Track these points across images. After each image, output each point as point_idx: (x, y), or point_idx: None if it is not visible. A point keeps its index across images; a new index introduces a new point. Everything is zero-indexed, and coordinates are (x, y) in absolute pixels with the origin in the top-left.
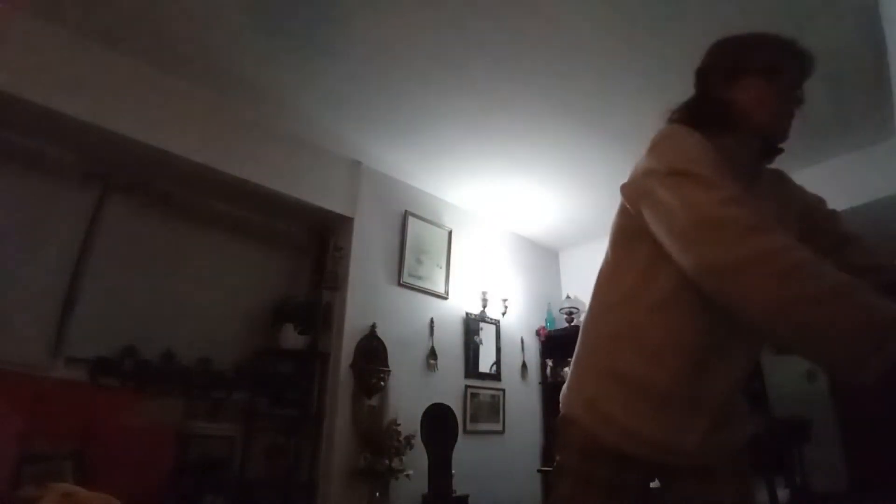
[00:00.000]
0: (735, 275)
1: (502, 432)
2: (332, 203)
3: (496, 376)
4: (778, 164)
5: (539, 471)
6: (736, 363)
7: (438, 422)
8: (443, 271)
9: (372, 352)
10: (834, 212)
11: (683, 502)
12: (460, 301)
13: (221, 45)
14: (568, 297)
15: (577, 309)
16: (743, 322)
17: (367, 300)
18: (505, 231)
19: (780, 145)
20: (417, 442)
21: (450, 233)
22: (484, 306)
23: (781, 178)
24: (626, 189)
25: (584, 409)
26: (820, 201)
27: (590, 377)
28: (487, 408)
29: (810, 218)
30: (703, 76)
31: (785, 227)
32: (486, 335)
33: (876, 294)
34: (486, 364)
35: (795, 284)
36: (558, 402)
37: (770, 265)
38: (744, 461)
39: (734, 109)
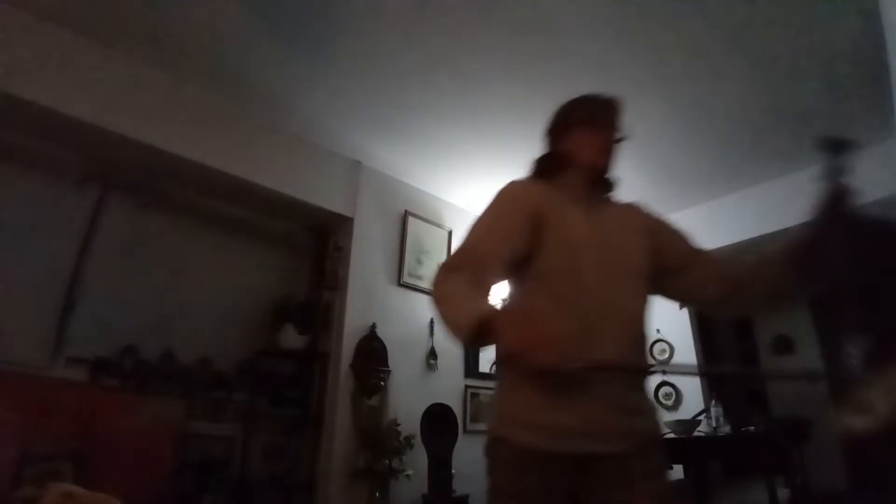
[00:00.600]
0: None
1: None
2: (332, 203)
3: (496, 376)
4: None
5: None
6: (608, 351)
7: (438, 422)
8: None
9: (372, 352)
10: (678, 231)
11: (603, 493)
12: None
13: (222, 46)
14: None
15: None
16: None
17: (367, 300)
18: None
19: (615, 176)
20: (417, 442)
21: (450, 233)
22: None
23: (632, 208)
24: None
25: (502, 425)
26: (666, 224)
27: (501, 395)
28: (487, 408)
29: (657, 237)
30: (546, 136)
31: (630, 241)
32: None
33: (475, 304)
34: (486, 364)
35: (442, 308)
36: None
37: (436, 300)
38: (656, 452)
39: (567, 156)
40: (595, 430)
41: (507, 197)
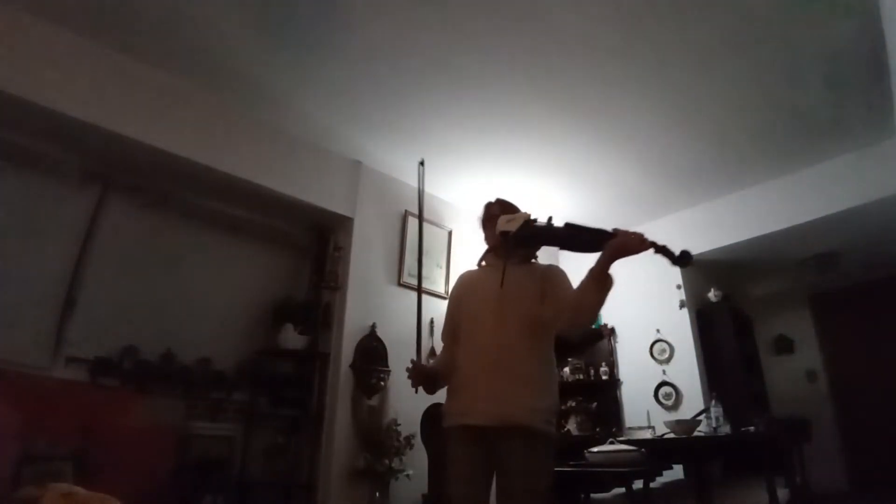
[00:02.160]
0: None
1: None
2: (332, 203)
3: None
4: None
5: None
6: (485, 374)
7: (438, 422)
8: (443, 271)
9: (372, 352)
10: (560, 281)
11: (497, 453)
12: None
13: (222, 46)
14: None
15: None
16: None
17: (367, 300)
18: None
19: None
20: (417, 442)
21: (450, 233)
22: None
23: (533, 265)
24: None
25: (446, 414)
26: (551, 274)
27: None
28: None
29: (545, 284)
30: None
31: (525, 292)
32: None
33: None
34: None
35: None
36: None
37: None
38: (530, 431)
39: (487, 242)
40: (479, 413)
41: (452, 290)
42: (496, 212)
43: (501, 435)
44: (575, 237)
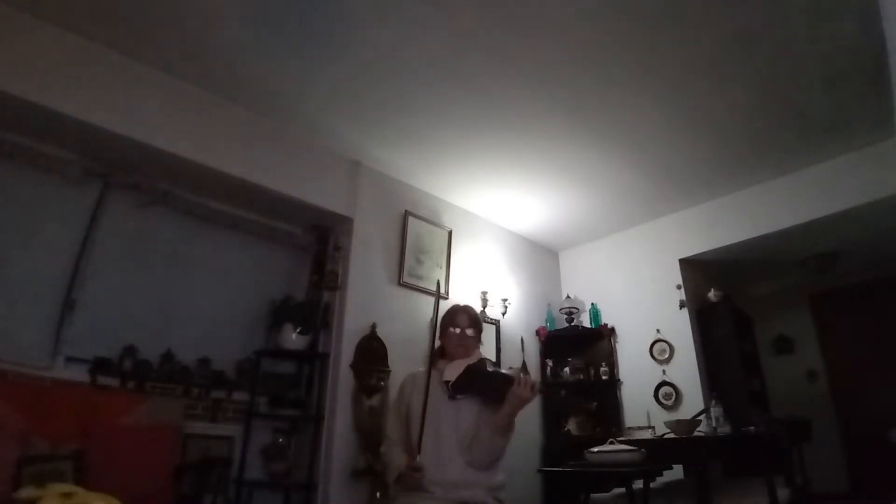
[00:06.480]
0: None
1: None
2: (332, 203)
3: None
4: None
5: (539, 471)
6: (429, 455)
7: None
8: (443, 271)
9: (372, 352)
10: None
11: None
12: (460, 301)
13: (222, 46)
14: (568, 297)
15: (576, 309)
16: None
17: (367, 300)
18: (505, 231)
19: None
20: None
21: (450, 233)
22: (484, 306)
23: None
24: None
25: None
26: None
27: None
28: None
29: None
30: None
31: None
32: (486, 335)
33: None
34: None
35: (388, 471)
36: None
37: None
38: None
39: (442, 349)
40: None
41: (398, 395)
42: (461, 320)
43: None
44: (495, 390)
